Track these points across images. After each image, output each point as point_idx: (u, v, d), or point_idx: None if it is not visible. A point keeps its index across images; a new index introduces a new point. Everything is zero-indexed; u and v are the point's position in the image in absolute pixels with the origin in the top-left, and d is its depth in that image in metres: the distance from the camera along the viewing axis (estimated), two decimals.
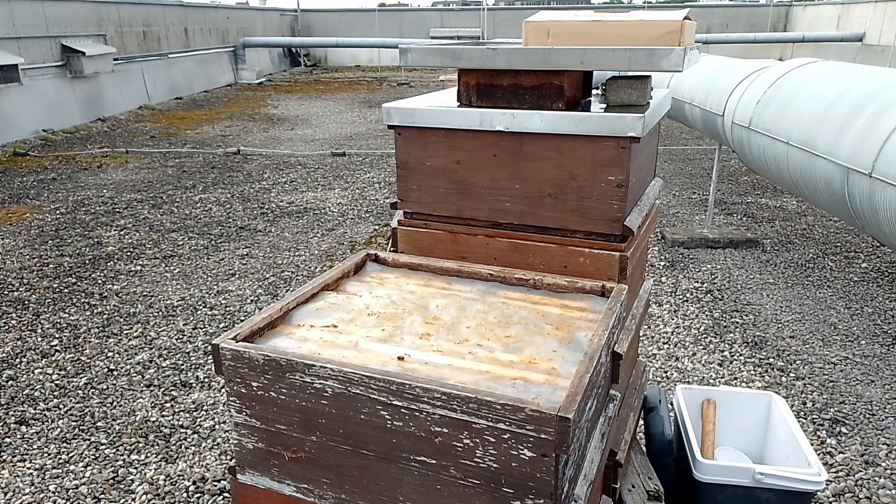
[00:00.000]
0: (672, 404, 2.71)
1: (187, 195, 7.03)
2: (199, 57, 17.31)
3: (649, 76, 1.85)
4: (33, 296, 4.50)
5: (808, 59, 4.72)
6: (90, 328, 4.03)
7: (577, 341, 1.43)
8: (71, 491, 2.66)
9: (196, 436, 3.00)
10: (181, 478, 2.73)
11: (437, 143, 1.83)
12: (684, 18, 1.75)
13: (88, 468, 2.79)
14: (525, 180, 1.77)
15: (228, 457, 2.85)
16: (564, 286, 1.67)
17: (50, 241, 5.55)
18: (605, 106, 1.82)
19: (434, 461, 1.25)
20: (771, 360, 3.63)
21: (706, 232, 5.53)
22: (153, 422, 3.10)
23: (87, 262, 5.11)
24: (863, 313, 4.18)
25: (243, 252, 5.33)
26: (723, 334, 3.93)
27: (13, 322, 4.11)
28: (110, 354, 3.72)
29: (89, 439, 2.98)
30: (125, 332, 3.99)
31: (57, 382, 3.44)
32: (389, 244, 2.03)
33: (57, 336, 3.94)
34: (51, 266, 5.01)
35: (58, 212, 6.38)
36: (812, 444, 2.76)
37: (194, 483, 2.70)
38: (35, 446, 2.93)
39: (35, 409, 3.21)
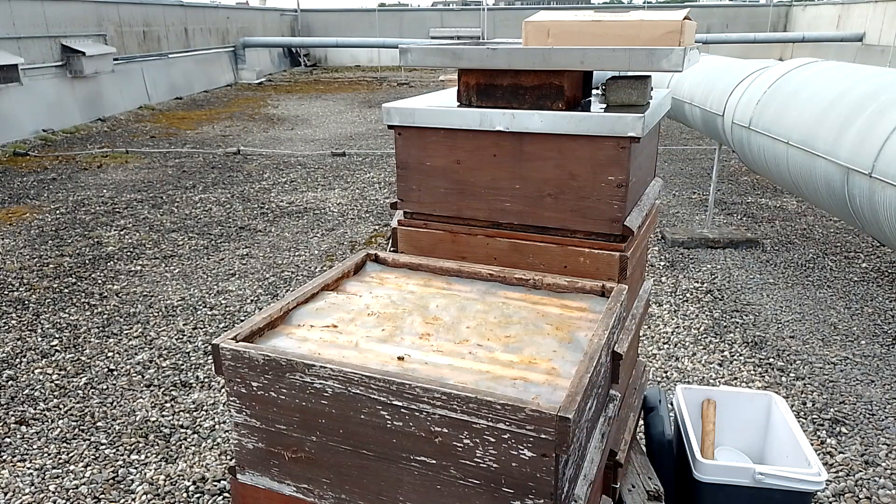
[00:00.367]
0: (672, 404, 2.71)
1: (187, 195, 7.02)
2: (199, 57, 17.31)
3: (649, 76, 1.85)
4: (33, 296, 4.50)
5: (807, 59, 4.72)
6: (90, 328, 4.03)
7: (577, 341, 1.43)
8: (71, 491, 2.66)
9: (196, 436, 3.00)
10: (181, 478, 2.73)
11: (437, 143, 1.83)
12: (684, 18, 1.75)
13: (88, 468, 2.79)
14: (525, 180, 1.77)
15: (228, 457, 2.85)
16: (564, 286, 1.67)
17: (50, 241, 5.55)
18: (605, 106, 1.82)
19: (434, 461, 1.25)
20: (771, 360, 3.63)
21: (706, 232, 5.53)
22: (153, 422, 3.10)
23: (87, 262, 5.11)
24: (863, 313, 4.18)
25: (243, 252, 5.33)
26: (723, 334, 3.93)
27: (13, 322, 4.11)
28: (110, 354, 3.72)
29: (89, 439, 2.98)
30: (125, 332, 3.99)
31: (57, 382, 3.44)
32: (389, 244, 2.03)
33: (57, 336, 3.94)
34: (51, 266, 5.01)
35: (58, 212, 6.38)
36: (812, 444, 2.76)
37: (194, 483, 2.70)
38: (35, 446, 2.93)
39: (35, 409, 3.21)
